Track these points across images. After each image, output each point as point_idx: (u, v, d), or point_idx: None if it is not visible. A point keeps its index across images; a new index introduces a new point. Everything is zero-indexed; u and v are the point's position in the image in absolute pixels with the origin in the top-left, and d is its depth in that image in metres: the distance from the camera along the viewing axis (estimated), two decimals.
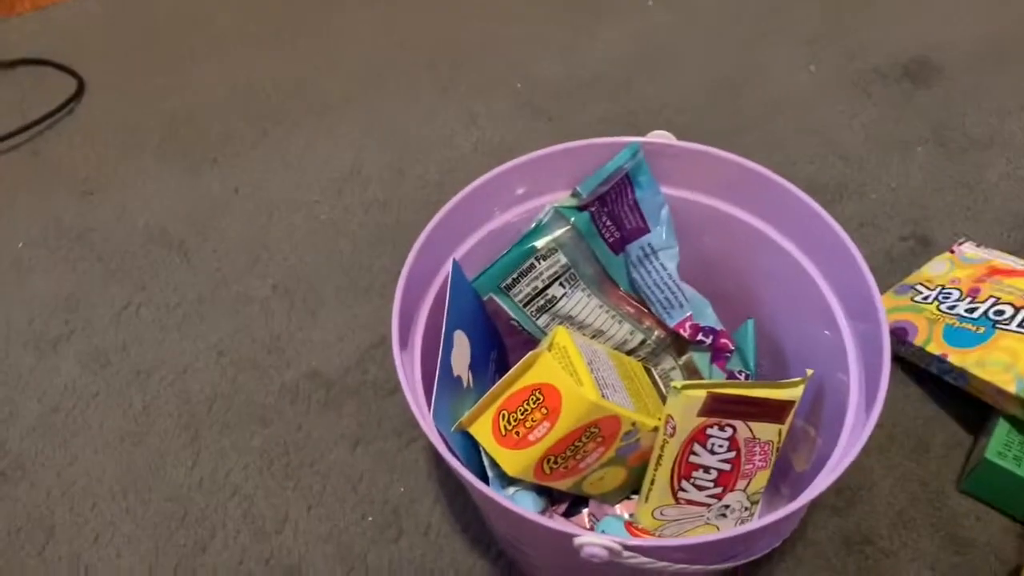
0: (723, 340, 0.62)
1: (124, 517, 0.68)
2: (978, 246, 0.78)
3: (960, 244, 0.78)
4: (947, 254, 0.78)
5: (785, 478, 0.65)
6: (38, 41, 1.09)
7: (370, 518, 0.68)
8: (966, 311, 0.70)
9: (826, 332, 0.58)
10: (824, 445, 0.58)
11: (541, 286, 0.60)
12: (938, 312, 0.72)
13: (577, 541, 0.45)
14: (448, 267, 0.60)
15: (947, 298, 0.73)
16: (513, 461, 0.54)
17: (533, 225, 0.60)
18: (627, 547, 0.46)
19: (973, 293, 0.72)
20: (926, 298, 0.74)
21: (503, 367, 0.68)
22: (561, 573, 0.61)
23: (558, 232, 0.60)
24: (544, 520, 0.46)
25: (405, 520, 0.67)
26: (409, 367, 0.55)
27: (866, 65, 1.01)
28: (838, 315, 0.56)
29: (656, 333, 0.63)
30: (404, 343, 0.56)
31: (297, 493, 0.69)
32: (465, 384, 0.58)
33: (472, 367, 0.60)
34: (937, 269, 0.77)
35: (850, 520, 0.66)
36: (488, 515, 0.60)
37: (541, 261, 0.60)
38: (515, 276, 0.60)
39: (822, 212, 0.56)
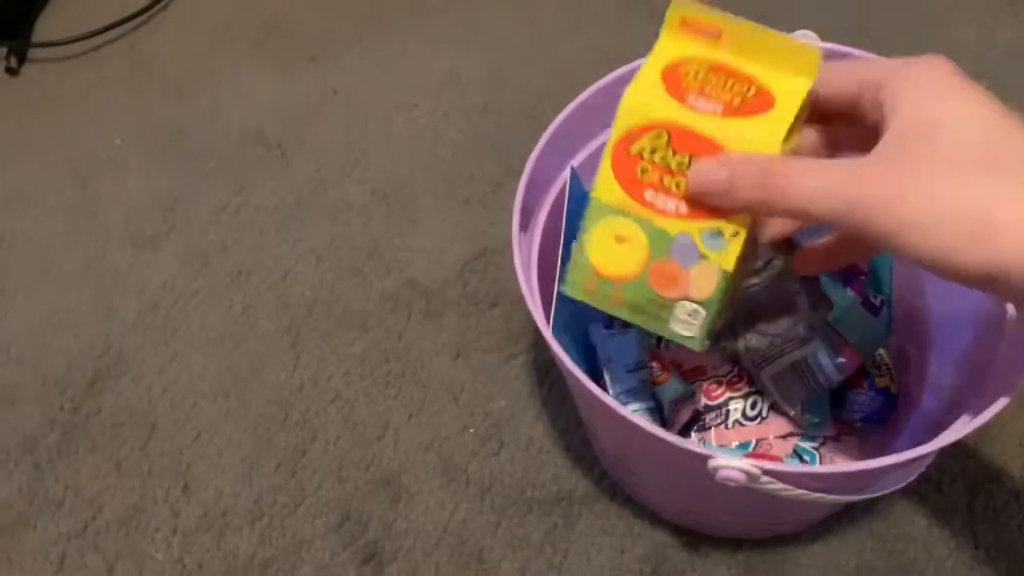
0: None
1: (225, 417, 0.68)
2: None
3: None
4: None
5: (913, 413, 0.61)
6: None
7: (471, 430, 0.66)
8: None
9: None
10: (967, 382, 0.54)
11: None
12: None
13: (712, 463, 0.43)
14: (566, 175, 0.56)
15: None
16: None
17: None
18: (766, 472, 0.43)
19: None
20: None
21: None
22: (671, 495, 0.59)
23: None
24: (678, 440, 0.43)
25: (506, 434, 0.66)
26: (527, 253, 0.52)
27: None
28: None
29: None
30: (524, 227, 0.53)
31: (398, 401, 0.68)
32: None
33: None
34: None
35: (978, 459, 0.63)
36: (600, 433, 0.57)
37: None
38: None
39: None
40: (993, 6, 0.90)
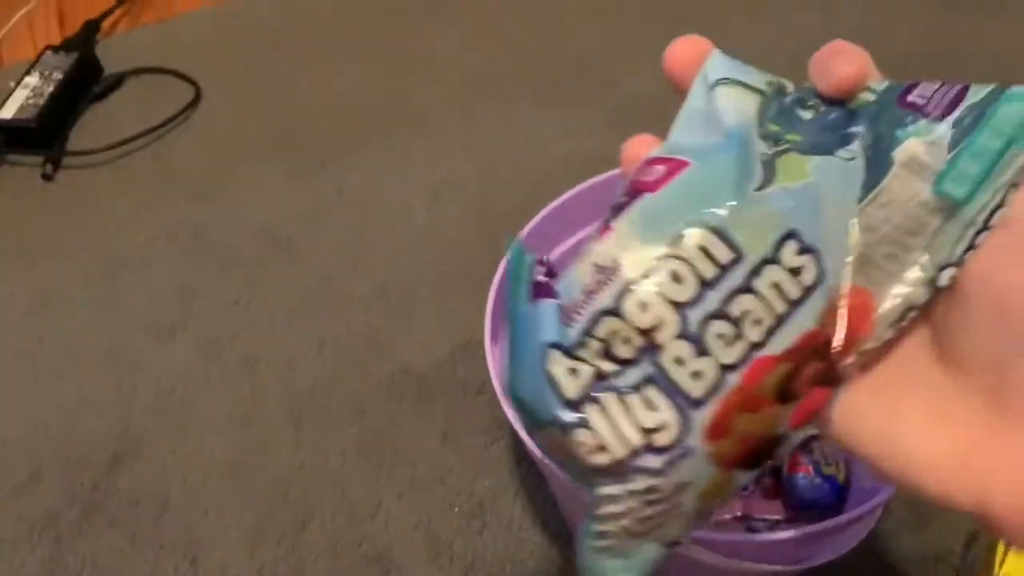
0: None
1: (232, 495, 0.74)
2: None
3: None
4: None
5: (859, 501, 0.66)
6: (160, 51, 1.16)
7: (457, 509, 0.72)
8: None
9: None
10: None
11: None
12: None
13: None
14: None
15: None
16: None
17: None
18: (692, 540, 0.49)
19: None
20: None
21: None
22: None
23: None
24: None
25: (489, 513, 0.71)
26: (499, 361, 0.59)
27: None
28: None
29: None
30: (495, 338, 0.59)
31: (389, 481, 0.74)
32: None
33: None
34: None
35: (922, 536, 0.67)
36: (570, 511, 0.63)
37: None
38: None
39: None
40: None
